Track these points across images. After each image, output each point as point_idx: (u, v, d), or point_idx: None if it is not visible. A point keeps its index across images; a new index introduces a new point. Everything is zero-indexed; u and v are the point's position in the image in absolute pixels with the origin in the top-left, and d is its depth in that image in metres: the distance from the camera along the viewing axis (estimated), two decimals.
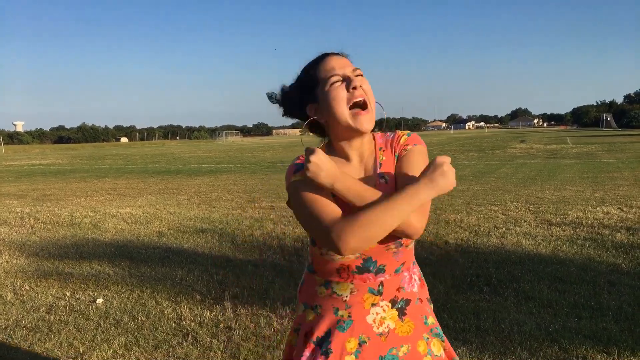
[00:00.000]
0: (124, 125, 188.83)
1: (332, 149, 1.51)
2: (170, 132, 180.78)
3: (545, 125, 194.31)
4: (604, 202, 8.08)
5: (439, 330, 1.58)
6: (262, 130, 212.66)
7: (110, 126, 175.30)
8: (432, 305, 1.65)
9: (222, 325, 3.68)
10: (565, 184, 10.52)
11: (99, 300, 4.30)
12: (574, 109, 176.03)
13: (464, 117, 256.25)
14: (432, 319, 1.58)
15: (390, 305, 1.48)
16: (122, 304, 4.19)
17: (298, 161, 1.46)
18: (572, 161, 16.90)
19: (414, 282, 1.54)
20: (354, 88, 1.40)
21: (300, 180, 1.40)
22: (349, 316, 1.47)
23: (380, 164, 1.49)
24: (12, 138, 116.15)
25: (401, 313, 1.50)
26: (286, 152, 32.21)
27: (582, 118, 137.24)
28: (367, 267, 1.44)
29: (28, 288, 4.71)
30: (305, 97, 1.47)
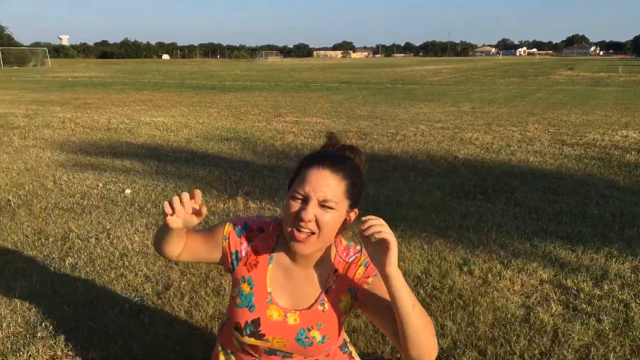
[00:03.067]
0: (166, 42, 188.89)
1: (283, 237, 1.43)
2: (211, 50, 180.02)
3: (601, 53, 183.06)
4: (627, 126, 8.01)
5: None
6: (302, 51, 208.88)
7: (153, 42, 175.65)
8: (348, 349, 1.69)
9: (231, 215, 4.11)
10: (595, 109, 10.33)
11: (127, 191, 4.79)
12: (635, 37, 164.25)
13: (516, 42, 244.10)
14: None
15: None
16: (147, 195, 4.67)
17: (242, 222, 1.51)
18: (613, 89, 16.30)
19: (330, 350, 1.57)
20: (302, 220, 1.32)
21: (219, 225, 1.50)
22: None
23: (327, 290, 1.47)
24: (58, 52, 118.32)
25: None
26: (323, 73, 31.93)
27: None
28: (273, 353, 1.50)
29: (66, 179, 5.24)
30: (289, 184, 1.42)
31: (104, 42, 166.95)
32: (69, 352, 2.22)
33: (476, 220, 3.87)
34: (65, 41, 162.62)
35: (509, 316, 2.49)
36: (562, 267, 3.05)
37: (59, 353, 2.21)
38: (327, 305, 1.45)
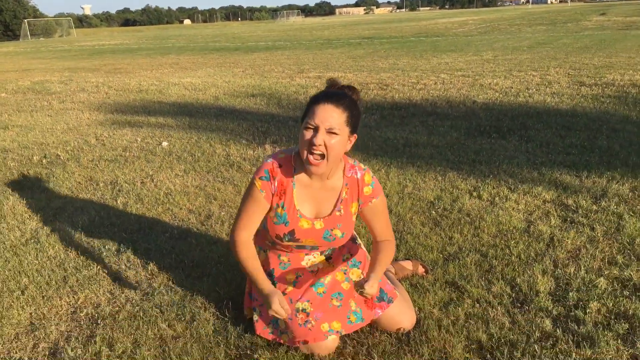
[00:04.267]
0: (187, 7, 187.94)
1: (300, 162, 1.79)
2: (232, 13, 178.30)
3: None
4: None
5: (355, 261, 2.02)
6: (324, 9, 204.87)
7: (174, 7, 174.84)
8: (357, 241, 2.10)
9: (261, 159, 4.46)
10: (620, 52, 10.23)
11: (164, 143, 5.18)
12: None
13: None
14: (348, 255, 2.04)
15: (319, 253, 2.02)
16: (183, 146, 5.05)
17: (263, 170, 1.85)
18: None
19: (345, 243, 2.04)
20: (314, 145, 1.68)
21: (252, 185, 1.85)
22: (288, 261, 1.99)
23: (342, 200, 1.88)
24: (82, 21, 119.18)
25: (328, 258, 2.04)
26: (345, 30, 31.62)
27: None
28: (303, 247, 1.94)
29: (107, 135, 5.67)
30: (302, 119, 1.77)
31: (126, 10, 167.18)
32: (131, 266, 2.63)
33: (489, 155, 4.13)
34: (88, 10, 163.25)
35: (510, 228, 2.80)
36: (565, 189, 3.31)
37: (123, 267, 2.62)
38: (342, 211, 1.89)
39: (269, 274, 1.97)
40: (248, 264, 1.86)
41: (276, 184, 1.84)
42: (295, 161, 1.85)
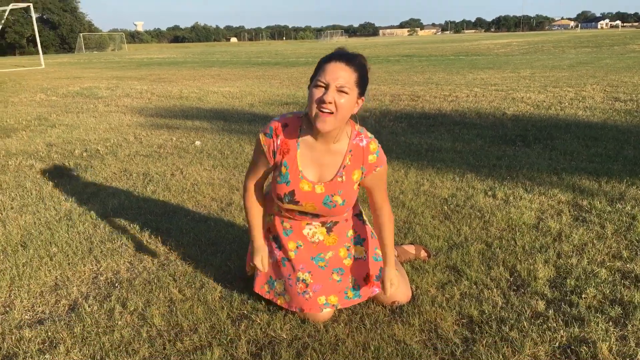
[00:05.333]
0: (234, 26, 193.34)
1: (308, 123, 1.83)
2: (277, 32, 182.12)
3: None
4: None
5: (359, 238, 2.08)
6: (368, 30, 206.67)
7: (221, 26, 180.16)
8: (362, 217, 2.14)
9: None
10: None
11: (197, 142, 5.41)
12: None
13: (597, 14, 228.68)
14: (351, 232, 2.08)
15: (320, 224, 2.04)
16: (214, 145, 5.27)
17: (268, 127, 1.91)
18: None
19: (347, 215, 2.08)
20: (324, 102, 1.69)
21: (257, 139, 1.94)
22: (290, 228, 2.04)
23: (344, 166, 1.88)
24: (134, 37, 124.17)
25: (329, 230, 2.05)
26: (386, 49, 31.83)
27: None
28: (304, 214, 1.99)
29: (145, 134, 5.96)
30: (311, 79, 1.79)
31: (176, 27, 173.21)
32: (151, 241, 2.80)
33: (510, 160, 4.15)
34: (140, 27, 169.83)
35: (520, 223, 2.82)
36: (582, 192, 3.30)
37: (144, 242, 2.80)
38: (344, 177, 1.89)
39: (275, 238, 2.06)
40: (249, 214, 2.01)
41: (279, 142, 1.87)
42: (303, 122, 1.87)
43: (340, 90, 1.69)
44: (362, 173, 1.90)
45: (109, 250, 2.70)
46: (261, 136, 1.91)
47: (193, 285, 2.27)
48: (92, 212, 3.30)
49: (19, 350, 1.85)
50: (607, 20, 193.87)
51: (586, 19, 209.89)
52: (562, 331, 1.80)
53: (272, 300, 2.02)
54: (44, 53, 27.64)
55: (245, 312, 2.03)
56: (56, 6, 52.55)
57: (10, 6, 23.99)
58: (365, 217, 2.17)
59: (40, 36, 28.17)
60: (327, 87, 1.69)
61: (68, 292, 2.27)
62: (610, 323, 1.85)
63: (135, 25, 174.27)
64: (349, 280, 1.98)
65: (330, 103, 1.69)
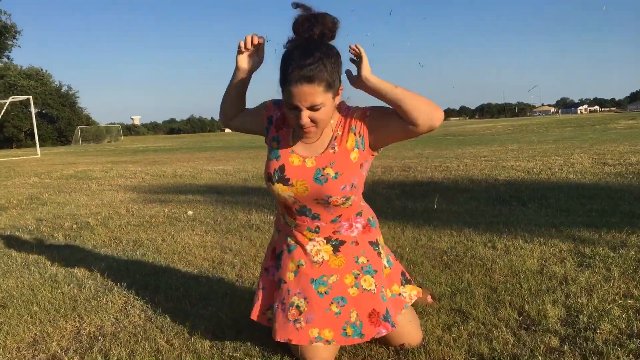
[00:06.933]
0: None
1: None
2: None
3: None
4: None
5: (370, 268, 1.85)
6: None
7: (216, 118, 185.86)
8: (378, 249, 1.92)
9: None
10: None
11: (190, 212, 5.35)
12: None
13: (576, 100, 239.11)
14: (363, 259, 1.86)
15: (325, 241, 1.85)
16: (207, 213, 5.20)
17: (279, 102, 1.89)
18: None
19: (354, 229, 1.88)
20: (302, 126, 1.67)
21: (263, 103, 1.96)
22: (294, 244, 1.89)
23: (335, 137, 1.78)
24: (130, 130, 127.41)
25: (335, 250, 1.85)
26: None
27: None
28: (304, 212, 1.82)
29: (137, 208, 5.89)
30: (280, 83, 1.69)
31: (172, 120, 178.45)
32: (139, 297, 2.66)
33: (507, 218, 4.10)
34: (137, 121, 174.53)
35: (523, 269, 2.72)
36: (583, 241, 3.23)
37: (131, 299, 2.65)
38: (337, 148, 1.77)
39: (278, 257, 1.94)
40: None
41: (279, 115, 1.88)
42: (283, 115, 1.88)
43: (313, 108, 1.63)
44: (357, 133, 1.76)
45: (93, 307, 2.55)
46: (268, 101, 1.93)
47: (182, 336, 2.11)
48: (78, 274, 3.16)
49: None
50: (585, 106, 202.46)
51: (565, 105, 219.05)
52: None
53: (269, 325, 1.88)
54: (40, 146, 28.16)
55: (237, 357, 1.88)
56: (55, 101, 54.21)
57: (10, 99, 24.76)
58: (381, 249, 1.94)
59: (38, 129, 28.85)
60: (298, 109, 1.64)
61: (47, 346, 2.11)
62: (631, 356, 1.72)
63: (132, 119, 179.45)
64: (350, 314, 1.77)
65: (307, 124, 1.66)
